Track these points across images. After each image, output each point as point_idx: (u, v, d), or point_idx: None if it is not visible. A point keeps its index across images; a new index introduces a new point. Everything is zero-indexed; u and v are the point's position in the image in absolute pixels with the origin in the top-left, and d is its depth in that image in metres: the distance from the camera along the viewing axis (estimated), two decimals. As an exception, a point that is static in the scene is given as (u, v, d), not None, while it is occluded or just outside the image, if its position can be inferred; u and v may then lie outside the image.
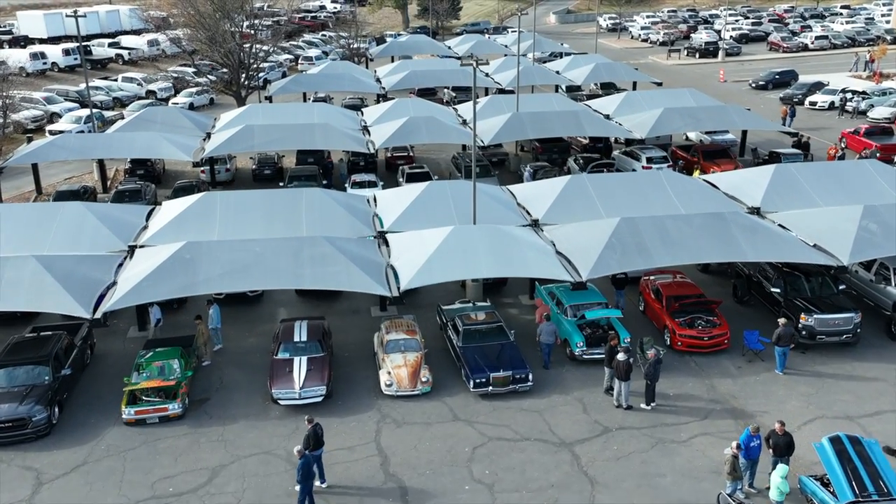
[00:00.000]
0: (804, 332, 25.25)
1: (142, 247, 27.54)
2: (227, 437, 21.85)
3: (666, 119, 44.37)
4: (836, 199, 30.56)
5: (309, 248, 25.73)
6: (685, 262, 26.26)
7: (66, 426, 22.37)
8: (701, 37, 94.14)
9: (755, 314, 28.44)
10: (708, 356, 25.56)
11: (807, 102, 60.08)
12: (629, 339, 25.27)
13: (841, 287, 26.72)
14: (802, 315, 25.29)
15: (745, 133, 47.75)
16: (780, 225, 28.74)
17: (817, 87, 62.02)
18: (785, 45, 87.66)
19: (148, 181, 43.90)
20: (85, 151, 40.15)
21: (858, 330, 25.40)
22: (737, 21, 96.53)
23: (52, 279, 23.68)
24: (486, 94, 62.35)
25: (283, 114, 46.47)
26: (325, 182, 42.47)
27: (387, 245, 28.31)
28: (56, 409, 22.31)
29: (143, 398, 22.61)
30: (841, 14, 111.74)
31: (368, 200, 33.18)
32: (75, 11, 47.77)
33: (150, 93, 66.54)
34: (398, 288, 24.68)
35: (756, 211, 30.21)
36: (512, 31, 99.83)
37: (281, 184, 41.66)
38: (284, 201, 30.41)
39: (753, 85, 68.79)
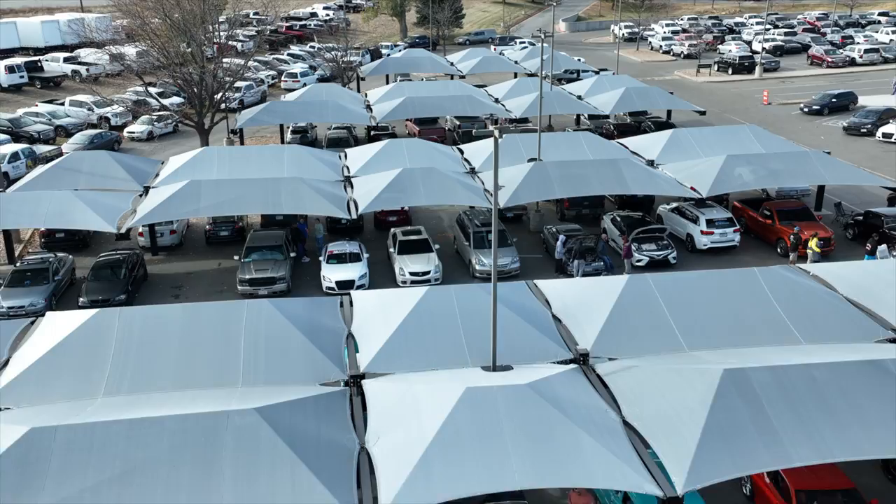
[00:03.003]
0: None
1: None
2: None
3: (731, 170, 34.76)
4: None
5: (235, 438, 16.01)
6: (840, 459, 16.50)
7: None
8: (731, 49, 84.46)
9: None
10: None
11: (879, 134, 50.43)
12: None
13: None
14: None
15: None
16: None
17: (890, 114, 52.24)
18: (829, 60, 77.96)
19: (68, 250, 34.42)
20: (-31, 220, 30.54)
21: None
22: (767, 30, 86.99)
23: None
24: (496, 124, 52.84)
25: (243, 161, 36.81)
26: (293, 254, 32.86)
27: (361, 396, 18.76)
28: None
29: None
30: (879, 22, 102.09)
31: (342, 304, 23.60)
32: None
33: (103, 119, 56.84)
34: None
35: (910, 337, 20.59)
36: (520, 42, 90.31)
37: (236, 257, 32.05)
38: (217, 322, 20.75)
39: (805, 109, 59.11)
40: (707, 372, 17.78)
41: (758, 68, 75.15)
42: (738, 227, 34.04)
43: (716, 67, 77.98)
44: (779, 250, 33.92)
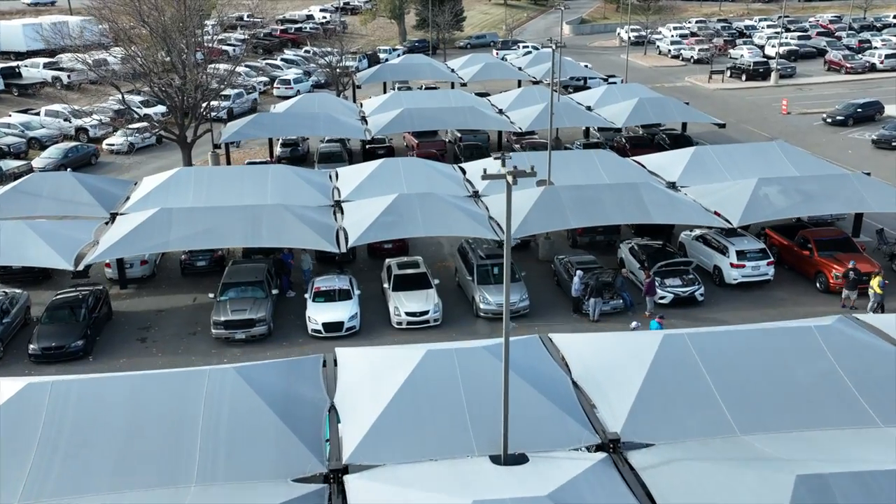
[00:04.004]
0: None
1: None
2: None
3: (763, 195, 31.22)
4: None
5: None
6: None
7: None
8: (743, 54, 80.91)
9: None
10: None
11: (912, 149, 46.98)
12: None
13: None
14: None
15: (860, 206, 34.60)
16: None
17: (923, 127, 48.73)
18: (848, 65, 74.36)
19: (27, 284, 30.98)
20: None
21: None
22: (779, 34, 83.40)
23: None
24: (500, 139, 49.43)
25: (222, 184, 33.29)
26: (275, 291, 29.34)
27: (343, 495, 15.29)
28: None
29: None
30: (895, 25, 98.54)
31: (325, 363, 20.18)
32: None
33: (81, 131, 53.28)
34: None
35: None
36: (524, 46, 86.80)
37: (211, 295, 28.56)
38: (170, 398, 17.22)
39: (829, 120, 55.54)
40: (775, 479, 14.24)
41: (773, 74, 71.62)
42: (772, 259, 30.53)
43: (728, 73, 74.41)
44: (818, 285, 30.42)
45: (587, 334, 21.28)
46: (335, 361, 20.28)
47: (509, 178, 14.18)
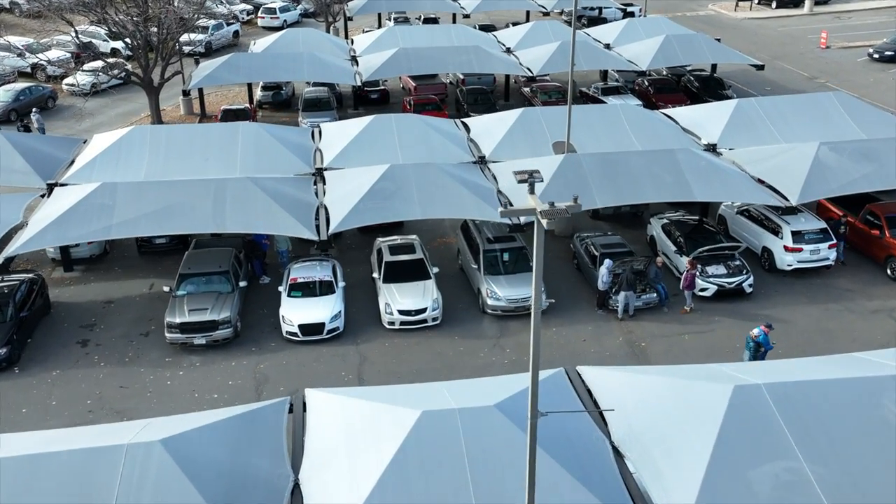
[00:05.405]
0: None
1: None
2: None
3: (826, 165, 26.10)
4: None
5: None
6: None
7: None
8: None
9: None
10: None
11: (975, 95, 41.51)
12: None
13: None
14: None
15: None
16: None
17: None
18: (889, -8, 67.89)
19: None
20: None
21: None
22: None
23: None
24: (507, 83, 43.78)
25: (183, 146, 28.07)
26: (244, 283, 24.53)
27: None
28: None
29: None
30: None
31: (292, 408, 15.77)
32: None
33: (38, 68, 47.55)
34: None
35: None
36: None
37: (166, 288, 23.73)
38: (79, 484, 12.69)
39: (876, 56, 49.75)
40: None
41: (807, 1, 65.12)
42: (834, 241, 25.69)
43: (757, 0, 67.89)
44: (889, 272, 25.71)
45: (627, 373, 16.58)
46: (304, 406, 15.89)
47: (543, 220, 9.27)
